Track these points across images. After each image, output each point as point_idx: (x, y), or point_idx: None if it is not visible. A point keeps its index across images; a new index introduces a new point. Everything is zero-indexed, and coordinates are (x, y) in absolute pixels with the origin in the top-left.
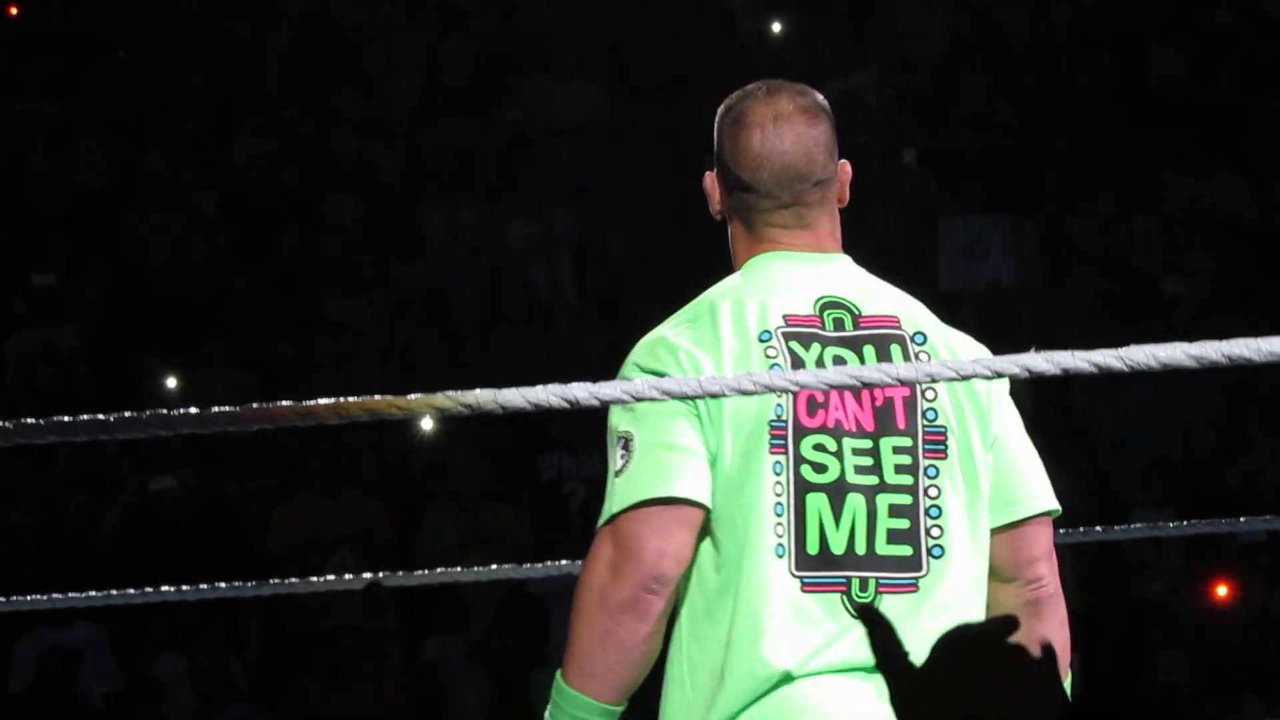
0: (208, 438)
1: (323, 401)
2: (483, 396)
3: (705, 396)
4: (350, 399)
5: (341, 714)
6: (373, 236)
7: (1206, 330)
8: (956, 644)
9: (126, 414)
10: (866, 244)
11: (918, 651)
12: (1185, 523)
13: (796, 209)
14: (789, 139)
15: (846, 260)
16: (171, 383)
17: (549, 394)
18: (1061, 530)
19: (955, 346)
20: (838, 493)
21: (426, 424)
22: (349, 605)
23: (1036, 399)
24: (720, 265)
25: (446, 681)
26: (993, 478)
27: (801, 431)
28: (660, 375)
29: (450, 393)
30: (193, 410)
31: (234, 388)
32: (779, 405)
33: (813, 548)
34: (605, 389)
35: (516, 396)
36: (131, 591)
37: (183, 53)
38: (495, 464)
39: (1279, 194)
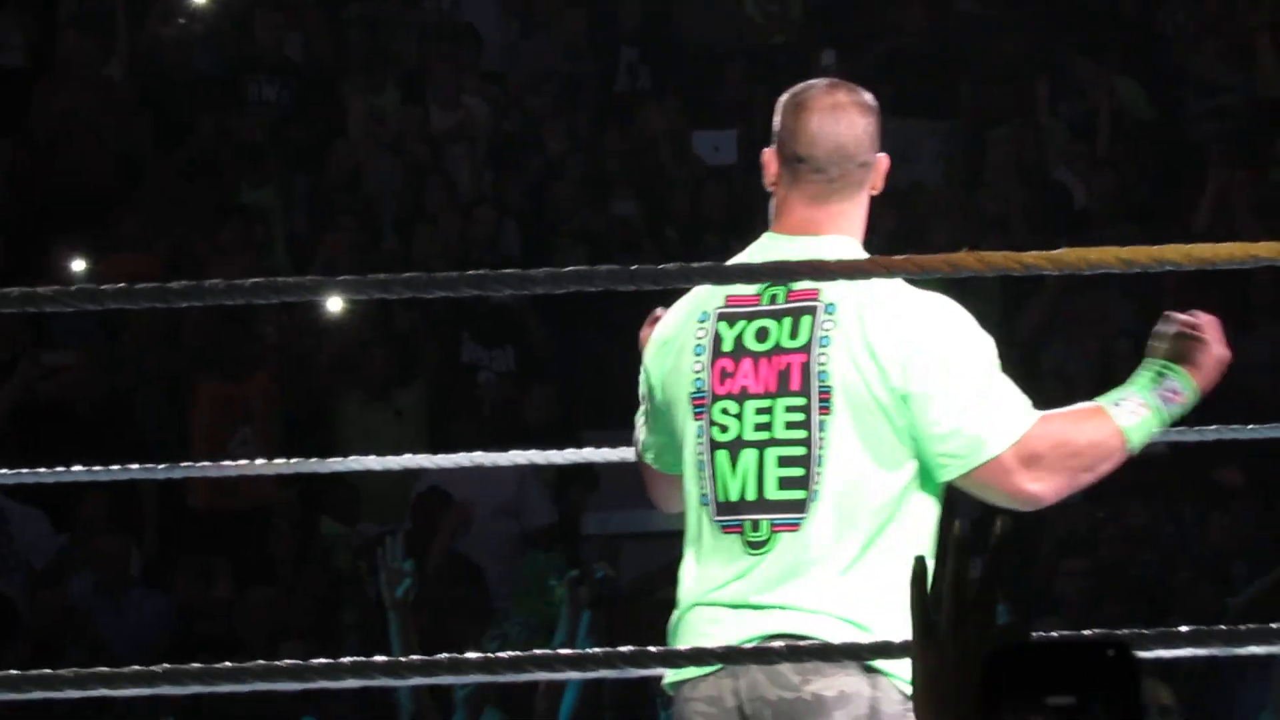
0: (111, 321)
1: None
2: None
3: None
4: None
5: (244, 597)
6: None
7: (1113, 238)
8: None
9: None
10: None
11: (789, 579)
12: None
13: (835, 185)
14: (844, 124)
15: (830, 240)
16: (79, 265)
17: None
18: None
19: (869, 317)
20: (735, 448)
21: (334, 305)
22: (250, 487)
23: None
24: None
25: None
26: (917, 436)
27: (714, 399)
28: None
29: None
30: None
31: (142, 270)
32: (698, 379)
33: (721, 496)
34: None
35: None
36: (24, 471)
37: None
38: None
39: (1178, 99)
